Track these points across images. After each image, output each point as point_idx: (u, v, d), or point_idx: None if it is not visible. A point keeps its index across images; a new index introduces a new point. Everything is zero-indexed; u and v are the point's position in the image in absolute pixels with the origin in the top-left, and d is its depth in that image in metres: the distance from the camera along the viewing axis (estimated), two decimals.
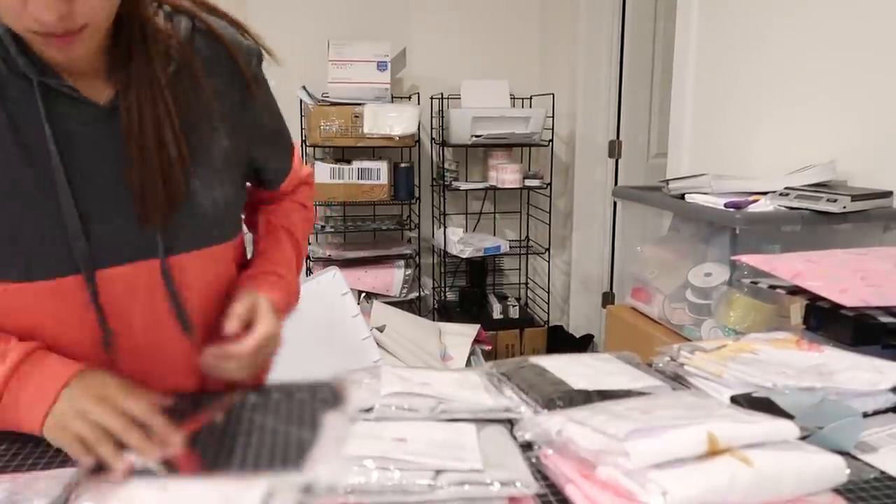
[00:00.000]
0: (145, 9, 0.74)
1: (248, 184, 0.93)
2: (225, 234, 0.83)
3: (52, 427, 0.67)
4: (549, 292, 3.40)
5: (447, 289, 3.38)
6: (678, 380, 0.82)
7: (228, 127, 0.81)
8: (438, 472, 0.56)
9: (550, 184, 3.23)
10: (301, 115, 2.97)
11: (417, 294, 3.08)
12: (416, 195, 3.05)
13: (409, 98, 3.12)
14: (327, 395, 0.80)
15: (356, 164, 2.85)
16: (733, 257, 1.30)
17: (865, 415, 0.72)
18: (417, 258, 3.12)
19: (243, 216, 0.95)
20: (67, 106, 0.71)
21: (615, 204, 3.20)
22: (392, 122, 2.74)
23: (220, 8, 0.83)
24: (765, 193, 1.57)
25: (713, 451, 0.54)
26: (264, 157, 0.91)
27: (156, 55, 0.74)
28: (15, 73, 0.68)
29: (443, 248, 3.11)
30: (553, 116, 3.18)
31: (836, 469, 0.56)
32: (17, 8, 0.61)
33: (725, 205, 1.54)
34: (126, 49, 0.73)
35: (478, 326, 2.73)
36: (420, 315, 2.90)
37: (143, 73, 0.73)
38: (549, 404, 0.71)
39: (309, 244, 3.13)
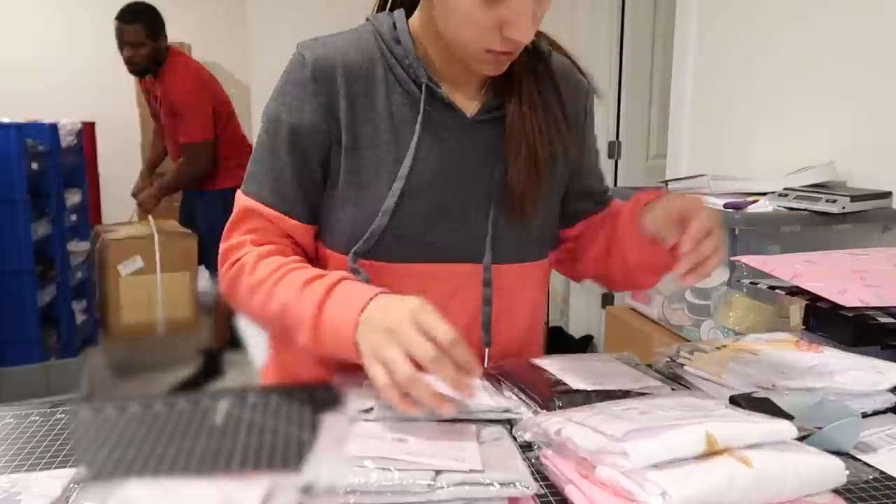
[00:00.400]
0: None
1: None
2: (543, 252, 0.88)
3: (363, 334, 0.65)
4: (548, 293, 3.41)
5: None
6: (678, 380, 0.82)
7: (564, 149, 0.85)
8: (438, 472, 0.56)
9: None
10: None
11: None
12: None
13: None
14: (327, 396, 0.80)
15: None
16: (733, 258, 1.30)
17: (865, 415, 0.72)
18: None
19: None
20: (440, 113, 0.80)
21: None
22: None
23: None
24: (764, 194, 1.57)
25: (711, 452, 0.54)
26: (575, 190, 0.93)
27: (531, 72, 0.82)
28: (404, 78, 0.79)
29: None
30: None
31: (835, 469, 0.56)
32: (489, 29, 0.71)
33: (725, 205, 1.54)
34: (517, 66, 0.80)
35: None
36: None
37: (521, 86, 0.80)
38: (548, 404, 0.71)
39: None
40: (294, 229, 0.81)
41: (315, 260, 0.85)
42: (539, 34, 0.85)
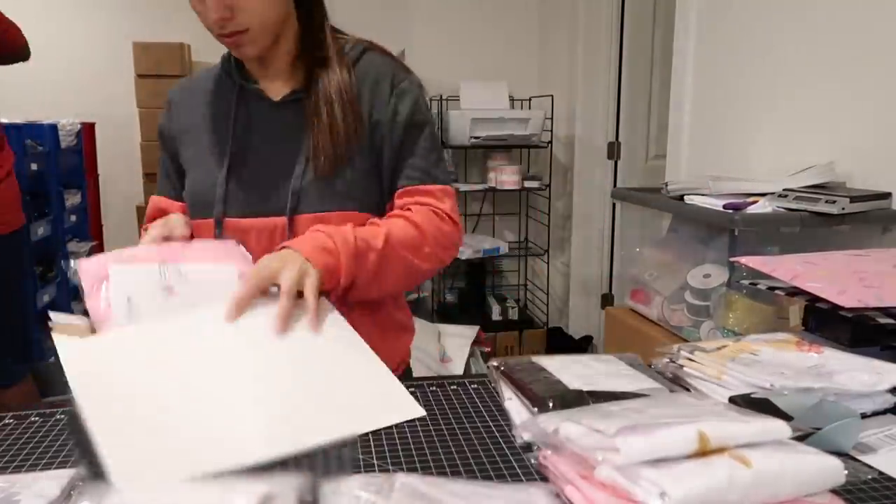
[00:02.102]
0: (322, 29, 1.05)
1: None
2: (346, 207, 1.01)
3: None
4: (548, 294, 3.41)
5: (446, 290, 3.38)
6: (677, 381, 0.82)
7: (372, 125, 1.03)
8: None
9: (549, 185, 3.24)
10: None
11: (416, 296, 3.08)
12: None
13: None
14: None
15: None
16: (732, 259, 1.30)
17: (864, 416, 0.72)
18: None
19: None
20: (253, 101, 1.05)
21: (614, 205, 3.21)
22: None
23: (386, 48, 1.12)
24: (763, 195, 1.57)
25: (704, 450, 0.54)
26: (392, 158, 1.05)
27: (331, 62, 1.03)
28: (231, 79, 1.07)
29: None
30: (552, 118, 3.18)
31: (834, 470, 0.56)
32: (202, 14, 0.96)
33: (724, 206, 1.54)
34: (307, 55, 1.04)
35: (477, 328, 2.74)
36: (419, 317, 2.90)
37: (321, 73, 1.02)
38: (542, 405, 0.71)
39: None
40: (172, 206, 1.11)
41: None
42: (359, 40, 1.08)
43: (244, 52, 0.98)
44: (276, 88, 1.05)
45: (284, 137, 1.03)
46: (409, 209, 1.02)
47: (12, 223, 2.04)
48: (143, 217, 1.09)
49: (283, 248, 0.89)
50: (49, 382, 2.57)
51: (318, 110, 1.00)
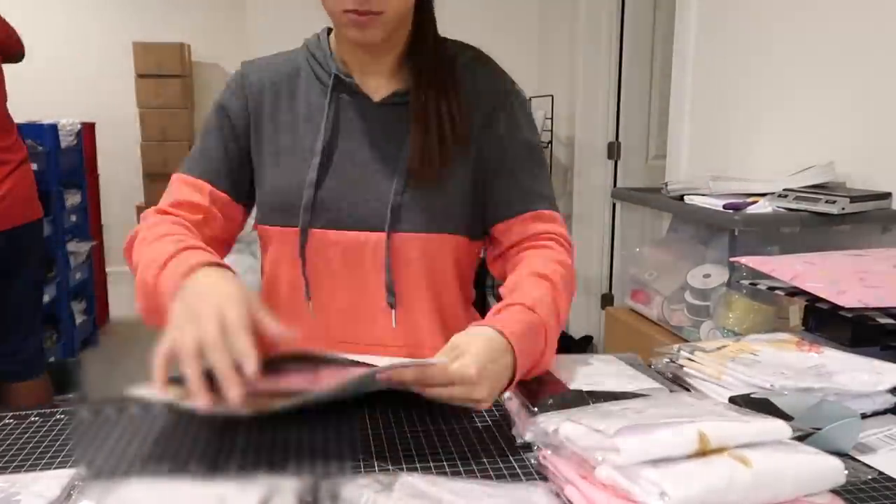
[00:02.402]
0: (434, 24, 0.96)
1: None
2: (448, 228, 0.93)
3: (177, 305, 0.69)
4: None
5: None
6: (677, 381, 0.83)
7: (479, 140, 0.95)
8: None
9: None
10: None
11: None
12: None
13: None
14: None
15: None
16: (732, 259, 1.30)
17: (864, 416, 0.72)
18: None
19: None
20: (350, 99, 0.94)
21: (614, 205, 3.21)
22: None
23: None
24: (763, 195, 1.57)
25: (704, 450, 0.54)
26: (499, 183, 0.96)
27: (435, 65, 0.93)
28: (322, 69, 0.94)
29: None
30: (552, 118, 3.18)
31: (834, 470, 0.56)
32: None
33: (724, 206, 1.54)
34: (418, 56, 0.94)
35: None
36: None
37: (430, 75, 0.92)
38: (542, 405, 0.71)
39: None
40: (214, 196, 0.93)
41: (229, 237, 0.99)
42: (465, 46, 1.00)
43: (370, 35, 0.86)
44: (377, 87, 0.94)
45: (382, 142, 0.93)
46: (547, 246, 0.93)
47: (30, 215, 2.08)
48: (143, 217, 0.91)
49: (498, 332, 0.75)
50: (63, 380, 2.58)
51: (425, 116, 0.90)
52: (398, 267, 0.91)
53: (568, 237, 0.96)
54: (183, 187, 0.93)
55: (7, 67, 2.11)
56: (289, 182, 0.91)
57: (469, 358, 0.70)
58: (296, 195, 0.90)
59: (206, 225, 0.91)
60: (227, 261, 0.81)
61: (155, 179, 4.68)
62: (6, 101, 2.07)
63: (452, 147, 0.91)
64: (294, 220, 0.91)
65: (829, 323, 0.93)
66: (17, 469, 0.64)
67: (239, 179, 0.96)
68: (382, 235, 0.90)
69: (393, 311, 0.92)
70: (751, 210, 1.51)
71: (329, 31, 0.99)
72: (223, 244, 0.97)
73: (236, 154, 0.95)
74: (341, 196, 0.91)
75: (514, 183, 0.95)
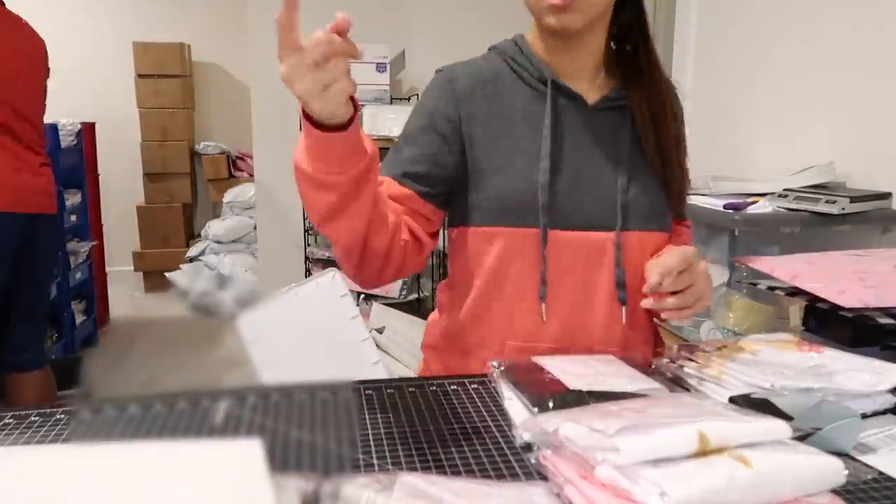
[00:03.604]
0: (646, 20, 0.98)
1: None
2: (663, 226, 0.98)
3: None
4: None
5: None
6: (677, 381, 0.82)
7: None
8: None
9: None
10: (300, 117, 2.96)
11: (417, 295, 3.08)
12: None
13: (409, 99, 3.12)
14: (327, 396, 0.80)
15: None
16: (733, 258, 1.30)
17: (864, 416, 0.72)
18: None
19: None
20: (564, 102, 0.96)
21: None
22: (391, 123, 2.74)
23: None
24: (764, 195, 1.57)
25: (704, 450, 0.54)
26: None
27: (641, 67, 0.97)
28: (528, 73, 0.96)
29: (442, 249, 3.12)
30: None
31: (834, 470, 0.56)
32: None
33: (724, 206, 1.54)
34: (632, 55, 0.97)
35: None
36: (419, 316, 2.90)
37: (642, 80, 0.96)
38: (542, 405, 0.71)
39: (308, 246, 3.13)
40: (411, 200, 0.94)
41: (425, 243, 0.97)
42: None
43: (568, 20, 0.88)
44: (587, 91, 0.97)
45: (599, 145, 0.96)
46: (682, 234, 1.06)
47: (54, 206, 2.16)
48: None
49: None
50: (65, 377, 2.58)
51: (644, 120, 0.95)
52: (627, 265, 0.94)
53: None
54: (390, 187, 0.95)
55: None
56: (520, 183, 0.93)
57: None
58: (531, 197, 0.92)
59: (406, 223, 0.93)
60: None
61: (155, 179, 4.68)
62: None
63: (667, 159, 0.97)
64: (530, 221, 0.92)
65: (829, 323, 0.93)
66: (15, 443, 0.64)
67: (439, 182, 0.96)
68: (608, 234, 0.93)
69: (623, 307, 0.95)
70: (751, 210, 1.51)
71: (521, 37, 1.01)
72: (421, 239, 0.95)
73: (443, 159, 0.95)
74: (568, 197, 0.93)
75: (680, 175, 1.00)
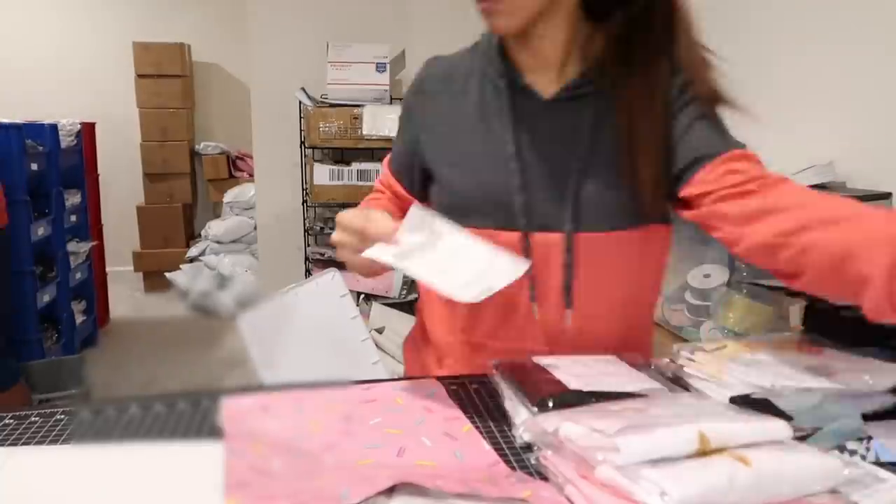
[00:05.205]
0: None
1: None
2: (629, 223, 0.90)
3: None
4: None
5: None
6: (678, 381, 0.82)
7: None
8: None
9: None
10: (300, 117, 2.97)
11: (417, 295, 3.08)
12: None
13: None
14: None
15: (355, 166, 2.85)
16: (734, 258, 1.30)
17: (864, 416, 0.72)
18: None
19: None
20: (522, 98, 0.92)
21: None
22: (391, 123, 2.74)
23: None
24: None
25: (704, 450, 0.54)
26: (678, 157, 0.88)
27: (604, 56, 0.88)
28: (493, 69, 0.94)
29: None
30: None
31: (834, 470, 0.56)
32: None
33: None
34: (594, 49, 0.89)
35: None
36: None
37: (612, 69, 0.88)
38: (542, 405, 0.71)
39: (308, 246, 3.13)
40: (390, 187, 1.04)
41: None
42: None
43: (495, 24, 0.86)
44: (545, 84, 0.92)
45: (555, 142, 0.90)
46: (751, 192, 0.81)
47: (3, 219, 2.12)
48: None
49: None
50: (39, 381, 2.58)
51: (621, 109, 0.87)
52: (579, 268, 0.90)
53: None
54: (393, 184, 1.04)
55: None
56: (465, 184, 0.93)
57: None
58: (502, 199, 0.90)
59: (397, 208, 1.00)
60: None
61: (155, 179, 4.68)
62: None
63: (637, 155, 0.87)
64: (506, 222, 0.90)
65: (829, 323, 0.93)
66: (14, 444, 0.64)
67: (420, 176, 1.01)
68: (561, 235, 0.89)
69: (568, 311, 0.91)
70: None
71: None
72: None
73: (414, 148, 0.99)
74: (520, 198, 0.89)
75: (690, 147, 0.86)
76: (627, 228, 0.90)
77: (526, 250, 0.89)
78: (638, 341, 0.98)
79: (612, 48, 0.88)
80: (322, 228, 3.12)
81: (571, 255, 0.89)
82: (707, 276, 1.66)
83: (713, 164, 0.84)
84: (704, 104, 0.90)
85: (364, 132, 2.74)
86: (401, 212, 0.93)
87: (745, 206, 0.79)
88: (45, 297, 2.91)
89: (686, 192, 0.86)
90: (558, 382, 0.76)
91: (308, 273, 2.92)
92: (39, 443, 0.69)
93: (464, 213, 0.90)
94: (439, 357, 1.01)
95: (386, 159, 1.07)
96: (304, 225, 3.13)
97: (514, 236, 0.90)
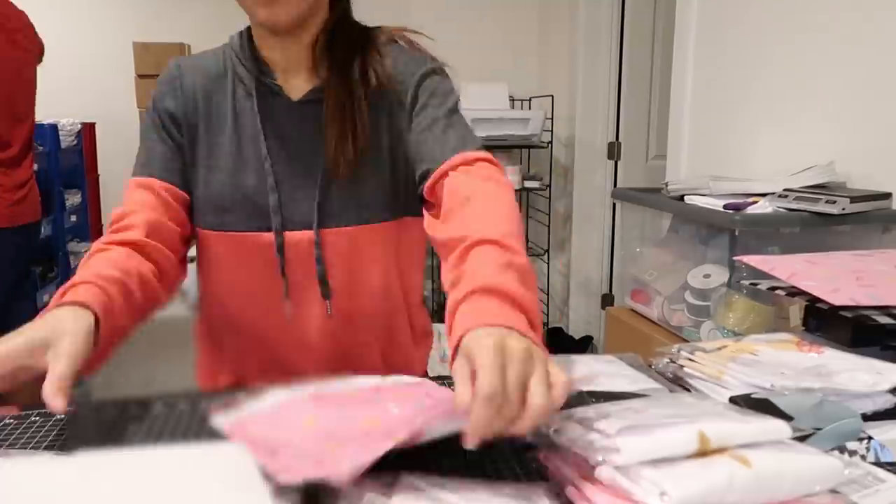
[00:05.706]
0: (348, 17, 0.98)
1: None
2: (376, 217, 0.96)
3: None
4: (548, 294, 3.41)
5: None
6: (677, 381, 0.82)
7: (394, 123, 0.95)
8: None
9: (550, 185, 3.24)
10: None
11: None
12: None
13: None
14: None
15: None
16: (735, 258, 1.30)
17: (864, 416, 0.72)
18: None
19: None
20: (273, 99, 0.95)
21: (614, 206, 3.21)
22: None
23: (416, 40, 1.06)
24: (764, 195, 1.57)
25: (704, 450, 0.54)
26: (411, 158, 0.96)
27: (356, 58, 0.94)
28: (245, 69, 0.95)
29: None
30: (552, 118, 3.18)
31: (834, 470, 0.56)
32: None
33: (724, 206, 1.54)
34: (335, 50, 0.94)
35: None
36: None
37: (341, 69, 0.93)
38: None
39: None
40: (167, 190, 0.94)
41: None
42: (380, 28, 1.01)
43: (275, 14, 0.87)
44: (296, 86, 0.95)
45: (303, 142, 0.94)
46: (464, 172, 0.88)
47: (38, 214, 2.10)
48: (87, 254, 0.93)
49: (499, 326, 0.64)
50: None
51: (336, 112, 0.91)
52: (330, 262, 0.95)
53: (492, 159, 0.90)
54: (135, 192, 0.94)
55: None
56: (217, 186, 0.94)
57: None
58: (257, 199, 0.93)
59: (168, 217, 0.93)
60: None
61: None
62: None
63: (367, 151, 0.92)
64: (260, 224, 0.93)
65: (829, 323, 0.93)
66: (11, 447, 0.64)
67: (185, 173, 0.97)
68: (311, 233, 0.93)
69: (328, 301, 0.96)
70: (751, 210, 1.51)
71: (250, 29, 0.99)
72: (188, 233, 0.99)
73: (177, 151, 0.96)
74: (271, 199, 0.93)
75: (420, 152, 0.93)
76: (380, 222, 0.96)
77: (280, 249, 0.93)
78: (411, 320, 1.07)
79: (324, 52, 0.94)
80: None
81: (320, 250, 0.94)
82: (707, 276, 1.66)
83: (436, 172, 0.90)
84: (437, 108, 0.95)
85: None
86: (171, 214, 0.94)
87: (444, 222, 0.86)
88: (45, 297, 2.91)
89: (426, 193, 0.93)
90: None
91: None
92: (39, 443, 0.69)
93: (219, 214, 0.94)
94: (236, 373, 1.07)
95: (136, 177, 0.95)
96: None
97: (268, 237, 0.93)
